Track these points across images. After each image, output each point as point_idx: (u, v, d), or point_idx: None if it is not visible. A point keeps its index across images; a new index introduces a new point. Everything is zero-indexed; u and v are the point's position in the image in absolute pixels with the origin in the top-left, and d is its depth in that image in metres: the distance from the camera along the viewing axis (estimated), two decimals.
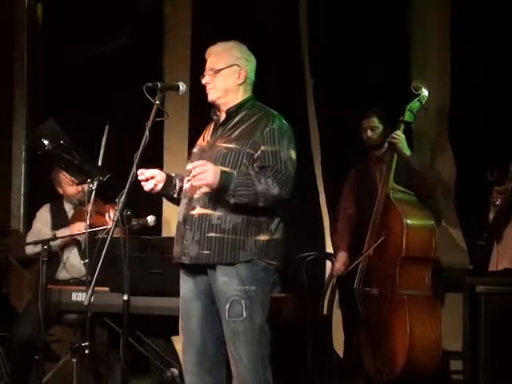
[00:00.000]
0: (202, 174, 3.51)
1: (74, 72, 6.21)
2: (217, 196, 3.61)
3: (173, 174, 3.83)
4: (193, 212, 3.68)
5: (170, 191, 3.81)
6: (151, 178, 3.69)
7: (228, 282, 3.63)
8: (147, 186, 3.70)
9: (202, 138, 3.89)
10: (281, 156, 3.65)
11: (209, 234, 3.64)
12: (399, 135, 5.23)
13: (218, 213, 3.64)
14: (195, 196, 3.69)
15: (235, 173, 3.59)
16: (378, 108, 5.50)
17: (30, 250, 5.17)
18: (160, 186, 3.74)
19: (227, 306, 3.62)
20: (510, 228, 4.64)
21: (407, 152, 5.25)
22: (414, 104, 5.27)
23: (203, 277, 3.73)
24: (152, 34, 6.39)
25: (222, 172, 3.55)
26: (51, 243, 4.87)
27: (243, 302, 3.61)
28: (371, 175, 5.44)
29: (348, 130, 5.71)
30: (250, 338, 3.63)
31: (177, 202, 3.85)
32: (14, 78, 6.45)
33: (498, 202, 4.55)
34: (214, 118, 3.84)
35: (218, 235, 3.64)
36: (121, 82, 6.04)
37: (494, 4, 5.53)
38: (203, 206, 3.66)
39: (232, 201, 3.57)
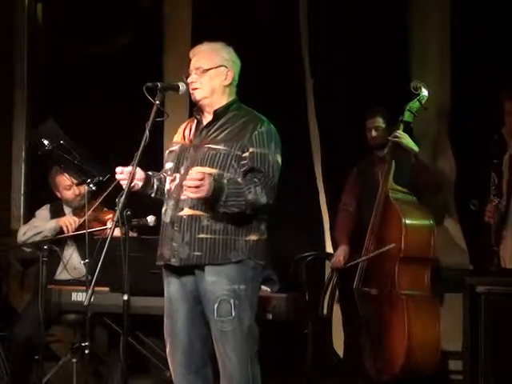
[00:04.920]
0: (201, 188, 3.47)
1: (74, 72, 6.22)
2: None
3: (150, 173, 3.80)
4: (181, 213, 3.66)
5: (148, 191, 3.79)
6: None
7: (217, 281, 3.62)
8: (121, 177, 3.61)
9: (181, 136, 3.84)
10: (269, 159, 3.65)
11: (199, 235, 3.63)
12: (401, 133, 5.24)
13: (208, 214, 3.63)
14: (182, 197, 3.66)
15: (225, 182, 3.57)
16: (381, 107, 5.50)
17: (21, 236, 5.15)
18: (140, 184, 3.70)
19: (216, 306, 3.62)
20: (505, 232, 4.73)
21: (415, 148, 5.25)
22: (414, 104, 5.28)
23: (190, 277, 3.72)
24: (152, 34, 6.39)
25: (216, 182, 3.52)
26: (45, 230, 4.92)
27: (232, 301, 3.61)
28: (373, 175, 5.45)
29: (348, 129, 5.72)
30: (238, 338, 3.63)
31: (153, 200, 3.83)
32: (14, 78, 6.45)
33: (492, 221, 4.69)
34: (197, 117, 3.81)
35: (208, 236, 3.63)
36: (121, 82, 6.04)
37: (494, 4, 5.53)
38: (192, 208, 3.64)
39: (222, 210, 3.56)
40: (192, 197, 3.54)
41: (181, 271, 3.72)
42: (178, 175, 3.73)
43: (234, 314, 3.61)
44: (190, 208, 3.65)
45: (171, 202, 3.71)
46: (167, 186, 3.78)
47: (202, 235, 3.63)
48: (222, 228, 3.63)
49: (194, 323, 3.74)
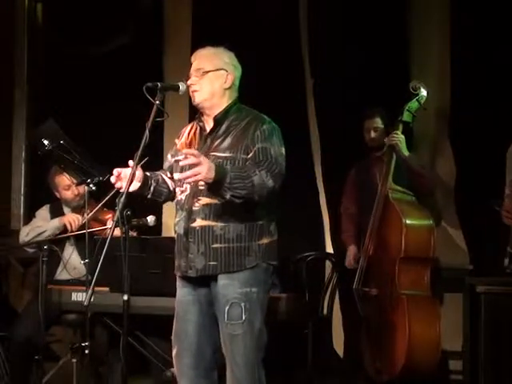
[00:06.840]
0: (197, 168, 3.40)
1: (74, 72, 6.22)
2: (216, 198, 3.58)
3: (148, 174, 3.78)
4: (194, 224, 3.66)
5: (145, 192, 3.76)
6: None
7: (229, 284, 3.62)
8: (118, 184, 3.58)
9: (186, 144, 3.82)
10: (271, 152, 3.63)
11: (214, 245, 3.63)
12: (398, 135, 5.24)
13: (220, 223, 3.62)
14: (194, 208, 3.66)
15: (229, 167, 3.56)
16: (380, 107, 5.50)
17: (23, 237, 5.15)
18: (138, 185, 3.67)
19: (226, 309, 3.60)
20: None
21: (405, 152, 5.25)
22: (413, 104, 5.28)
23: (204, 281, 3.70)
24: (152, 34, 6.39)
25: (217, 165, 3.49)
26: (48, 229, 4.95)
27: (243, 304, 3.60)
28: (371, 174, 5.45)
29: (348, 129, 5.72)
30: (248, 342, 3.61)
31: (150, 202, 3.81)
32: (14, 78, 6.45)
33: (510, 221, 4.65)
34: (200, 124, 3.80)
35: (223, 245, 3.63)
36: (121, 82, 6.04)
37: (494, 4, 5.53)
38: (204, 218, 3.64)
39: (228, 195, 3.50)
40: (194, 179, 3.46)
41: (196, 278, 3.71)
42: (188, 186, 3.71)
43: (244, 318, 3.60)
44: (202, 219, 3.65)
45: (183, 214, 3.70)
46: (178, 197, 3.77)
47: (216, 245, 3.63)
48: (235, 236, 3.63)
49: (206, 326, 3.73)
